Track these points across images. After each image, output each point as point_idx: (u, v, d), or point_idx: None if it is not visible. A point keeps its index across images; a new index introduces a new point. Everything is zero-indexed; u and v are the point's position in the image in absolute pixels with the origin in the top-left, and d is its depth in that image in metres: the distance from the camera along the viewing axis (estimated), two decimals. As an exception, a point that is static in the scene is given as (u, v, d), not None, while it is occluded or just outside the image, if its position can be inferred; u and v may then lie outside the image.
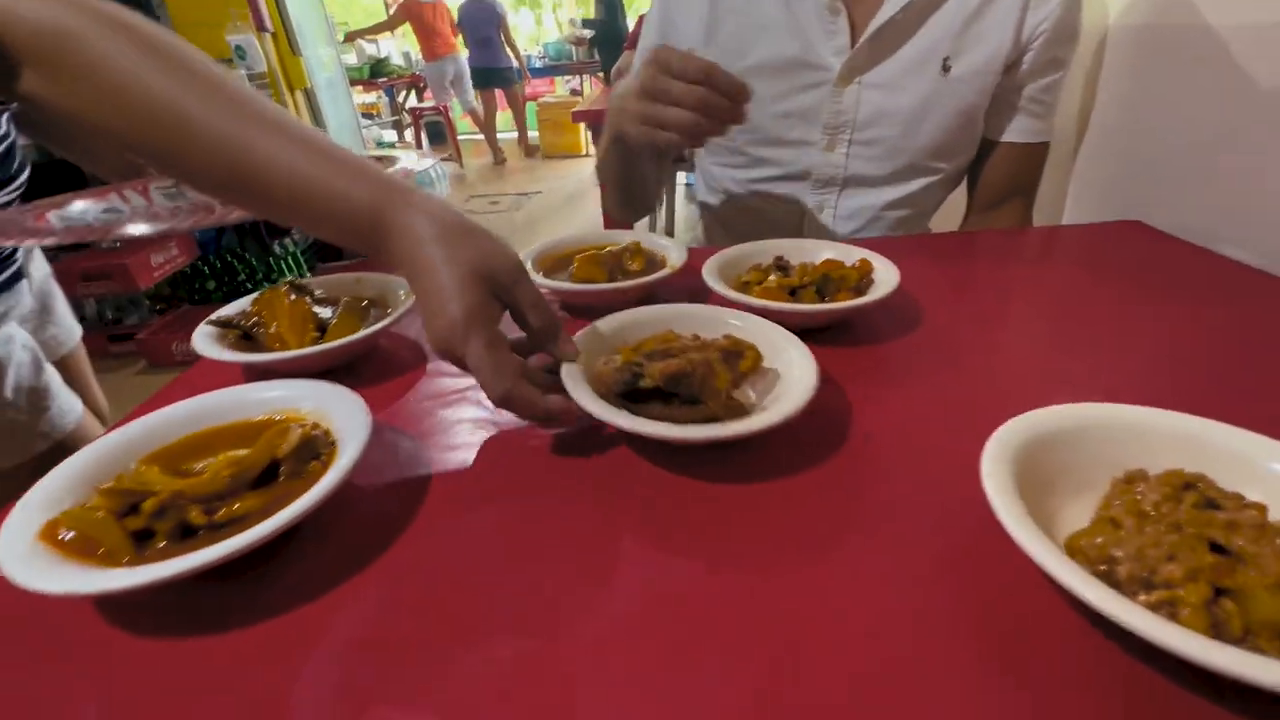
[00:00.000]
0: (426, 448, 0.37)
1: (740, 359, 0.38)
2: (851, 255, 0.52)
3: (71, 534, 0.27)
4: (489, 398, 0.34)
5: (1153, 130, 0.71)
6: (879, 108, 0.66)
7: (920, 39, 0.64)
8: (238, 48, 2.59)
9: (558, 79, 5.86)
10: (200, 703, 0.23)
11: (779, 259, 0.53)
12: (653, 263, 0.55)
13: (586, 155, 4.97)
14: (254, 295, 0.48)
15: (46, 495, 0.29)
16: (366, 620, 0.26)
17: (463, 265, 0.34)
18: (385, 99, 5.49)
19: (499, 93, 4.82)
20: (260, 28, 2.67)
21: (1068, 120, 0.82)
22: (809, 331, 0.47)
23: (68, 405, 0.76)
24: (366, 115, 5.01)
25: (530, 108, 5.14)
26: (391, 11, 4.72)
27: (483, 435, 0.38)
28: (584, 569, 0.28)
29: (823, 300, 0.47)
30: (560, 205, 4.17)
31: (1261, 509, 0.24)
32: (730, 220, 0.80)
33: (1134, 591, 0.22)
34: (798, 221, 0.75)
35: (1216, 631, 0.21)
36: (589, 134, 4.49)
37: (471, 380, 0.37)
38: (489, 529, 0.31)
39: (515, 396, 0.34)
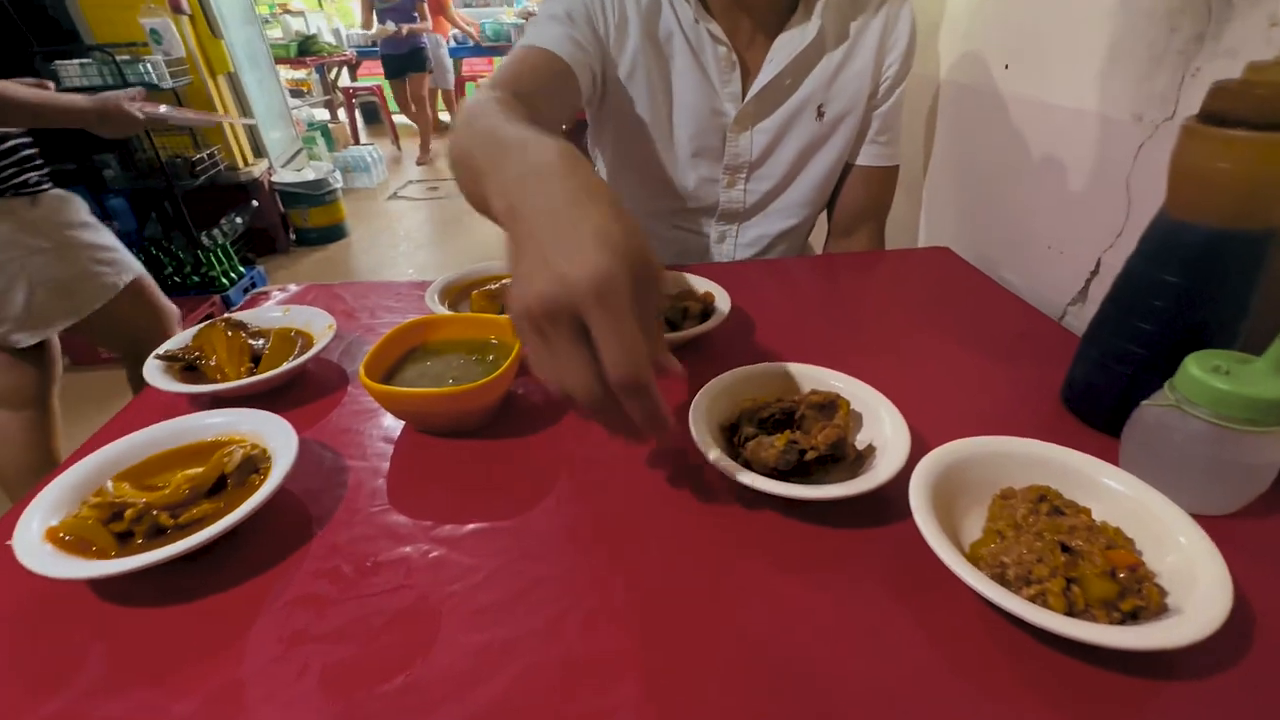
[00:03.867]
0: (345, 459, 0.48)
1: (837, 410, 0.44)
2: (701, 286, 0.65)
3: (69, 537, 0.37)
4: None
5: (966, 169, 0.86)
6: (768, 153, 0.79)
7: (799, 92, 0.76)
8: (153, 31, 2.51)
9: (497, 59, 5.78)
10: (175, 650, 0.34)
11: (642, 291, 0.65)
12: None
13: (526, 139, 4.95)
14: (194, 330, 0.57)
15: (45, 504, 0.38)
16: (299, 584, 0.37)
17: None
18: (317, 76, 5.31)
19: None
20: (176, 10, 2.58)
21: (916, 162, 0.97)
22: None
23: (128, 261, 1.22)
24: (296, 93, 4.84)
25: (470, 88, 5.07)
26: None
27: (389, 449, 0.49)
28: (465, 546, 0.40)
29: (673, 330, 0.60)
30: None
31: (1088, 512, 0.36)
32: None
33: (1019, 587, 0.33)
34: (704, 247, 0.87)
35: (1070, 608, 0.31)
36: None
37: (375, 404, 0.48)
38: (392, 519, 0.42)
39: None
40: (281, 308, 0.63)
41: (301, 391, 0.56)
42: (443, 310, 0.61)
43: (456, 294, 0.66)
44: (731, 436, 0.46)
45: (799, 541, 0.40)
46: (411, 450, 0.49)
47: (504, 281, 0.66)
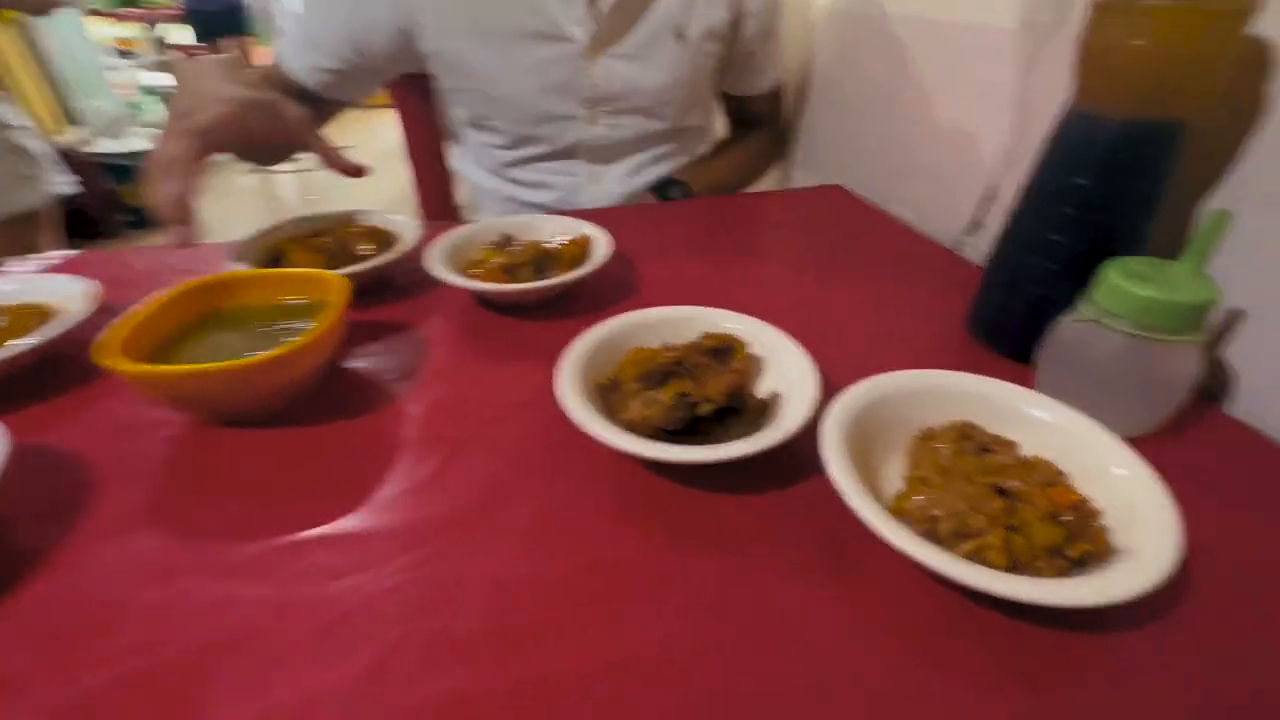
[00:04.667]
0: (95, 469, 0.35)
1: (733, 354, 0.38)
2: (576, 229, 0.56)
3: None
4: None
5: (849, 100, 0.82)
6: (629, 79, 0.70)
7: (655, 11, 0.68)
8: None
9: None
10: None
11: (505, 236, 0.55)
12: (386, 243, 0.55)
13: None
14: (-128, 313, 0.41)
15: None
16: (-12, 663, 0.26)
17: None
18: (150, 33, 4.58)
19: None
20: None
21: (798, 96, 0.92)
22: (531, 308, 0.51)
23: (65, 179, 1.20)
24: (125, 53, 4.15)
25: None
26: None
27: (162, 451, 0.37)
28: (247, 581, 0.29)
29: (540, 276, 0.50)
30: (374, 162, 3.84)
31: (1016, 446, 0.32)
32: (510, 195, 0.80)
33: (955, 544, 0.27)
34: (574, 191, 0.78)
35: (1013, 562, 0.27)
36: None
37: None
38: (153, 546, 0.31)
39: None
40: (24, 278, 0.48)
41: (44, 385, 0.42)
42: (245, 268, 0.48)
43: (271, 251, 0.53)
44: (612, 396, 0.38)
45: (698, 514, 0.32)
46: (193, 450, 0.37)
47: (340, 231, 0.53)
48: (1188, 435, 0.37)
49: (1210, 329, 0.41)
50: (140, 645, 0.26)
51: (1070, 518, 0.27)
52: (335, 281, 0.41)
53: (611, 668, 0.25)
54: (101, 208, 2.65)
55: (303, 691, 0.24)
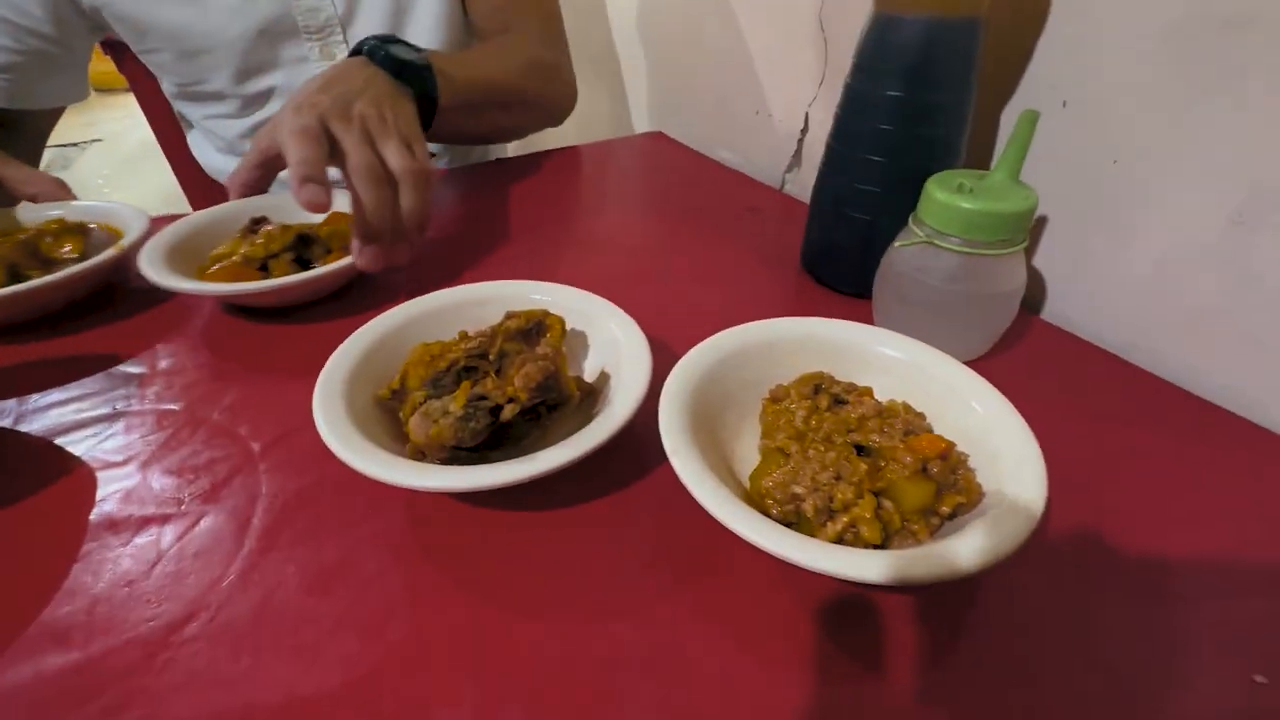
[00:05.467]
0: None
1: (546, 332, 0.31)
2: (346, 204, 0.45)
3: None
4: None
5: (657, 45, 0.77)
6: None
7: None
8: None
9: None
10: None
11: (255, 221, 0.43)
12: (96, 242, 0.41)
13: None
14: None
15: None
16: None
17: None
18: None
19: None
20: None
21: (608, 49, 0.85)
22: (297, 307, 0.40)
23: None
24: None
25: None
26: None
27: None
28: None
29: (306, 268, 0.40)
30: (131, 158, 3.22)
31: (870, 392, 0.29)
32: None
33: (822, 523, 0.23)
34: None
35: (887, 532, 0.23)
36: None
37: None
38: None
39: None
40: None
41: None
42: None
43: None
44: (402, 409, 0.29)
45: (523, 539, 0.26)
46: None
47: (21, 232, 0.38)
48: (1016, 349, 0.37)
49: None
50: None
51: (937, 467, 0.24)
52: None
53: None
54: None
55: None
